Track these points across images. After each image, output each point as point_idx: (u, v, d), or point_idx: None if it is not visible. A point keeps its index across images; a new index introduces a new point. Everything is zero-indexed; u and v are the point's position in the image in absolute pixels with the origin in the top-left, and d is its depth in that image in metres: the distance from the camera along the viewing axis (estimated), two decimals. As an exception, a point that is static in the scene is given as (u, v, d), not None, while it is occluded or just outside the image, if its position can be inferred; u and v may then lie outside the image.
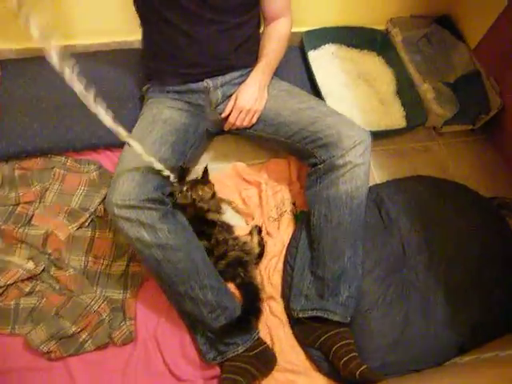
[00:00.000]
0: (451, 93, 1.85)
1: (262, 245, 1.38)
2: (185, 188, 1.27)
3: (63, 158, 1.49)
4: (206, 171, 1.39)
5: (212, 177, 1.41)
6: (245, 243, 1.33)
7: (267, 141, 1.43)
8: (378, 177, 1.69)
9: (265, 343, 1.22)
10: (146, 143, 1.20)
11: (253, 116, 1.36)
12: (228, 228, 1.37)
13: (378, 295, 1.30)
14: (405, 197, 1.56)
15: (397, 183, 1.63)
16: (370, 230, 1.42)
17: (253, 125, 1.39)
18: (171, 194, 1.24)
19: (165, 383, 1.19)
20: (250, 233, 1.40)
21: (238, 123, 1.37)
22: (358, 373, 1.11)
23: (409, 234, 1.46)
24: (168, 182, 1.22)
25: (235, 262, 1.29)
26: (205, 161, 1.57)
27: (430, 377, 1.23)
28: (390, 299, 1.31)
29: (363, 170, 1.22)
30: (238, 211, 1.50)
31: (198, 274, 1.16)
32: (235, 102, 1.35)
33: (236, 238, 1.34)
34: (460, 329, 1.29)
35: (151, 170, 1.15)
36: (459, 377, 1.19)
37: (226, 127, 1.41)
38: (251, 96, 1.35)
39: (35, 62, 1.61)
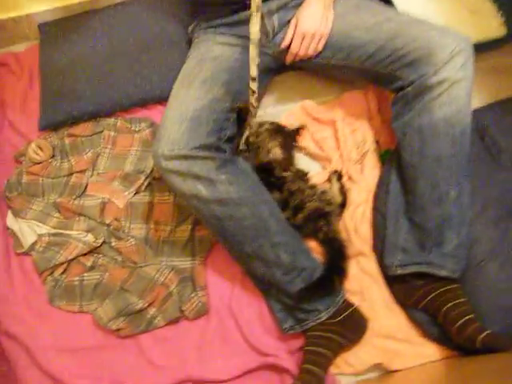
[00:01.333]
0: None
1: (343, 192, 1.16)
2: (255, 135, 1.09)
3: (112, 120, 1.36)
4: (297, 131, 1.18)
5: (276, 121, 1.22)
6: (324, 192, 1.12)
7: (339, 70, 1.21)
8: (475, 101, 1.38)
9: (352, 305, 1.05)
10: (194, 84, 1.06)
11: (319, 42, 1.13)
12: (302, 175, 1.17)
13: (494, 242, 1.05)
14: (502, 124, 1.26)
15: (502, 105, 1.32)
16: (474, 164, 1.15)
17: (319, 52, 1.16)
18: (230, 140, 1.07)
19: (245, 358, 1.06)
20: (329, 179, 1.19)
21: (301, 52, 1.15)
22: (479, 339, 0.91)
23: (524, 165, 1.18)
24: (227, 123, 1.06)
25: (315, 215, 1.09)
26: (266, 104, 1.36)
27: None
28: (509, 246, 1.05)
29: (465, 88, 0.99)
30: (312, 156, 1.28)
31: (267, 230, 0.99)
32: (296, 27, 1.13)
33: (313, 187, 1.13)
34: None
35: (204, 112, 1.00)
36: None
37: (288, 59, 1.20)
38: (315, 17, 1.11)
39: (72, 21, 1.50)
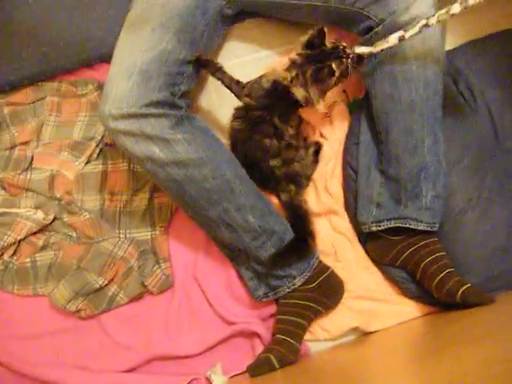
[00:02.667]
0: None
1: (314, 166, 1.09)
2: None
3: (56, 84, 1.22)
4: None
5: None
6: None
7: (300, 12, 1.09)
8: (446, 42, 1.30)
9: (328, 268, 0.99)
10: (142, 34, 0.95)
11: None
12: (302, 136, 1.09)
13: (472, 191, 1.01)
14: (488, 62, 1.18)
15: (475, 46, 1.23)
16: (448, 109, 1.08)
17: None
18: (185, 95, 0.97)
19: (214, 330, 1.01)
20: (306, 148, 1.09)
21: None
22: (459, 293, 0.87)
23: (500, 108, 1.11)
24: (181, 78, 0.96)
25: (292, 177, 1.01)
26: (225, 55, 1.24)
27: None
28: (488, 194, 1.01)
29: (439, 27, 0.91)
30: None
31: (232, 192, 0.92)
32: None
33: (308, 149, 1.07)
34: None
35: (154, 64, 0.91)
36: None
37: None
38: None
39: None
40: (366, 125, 1.03)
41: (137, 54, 0.92)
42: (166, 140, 0.87)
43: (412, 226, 0.94)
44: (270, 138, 0.98)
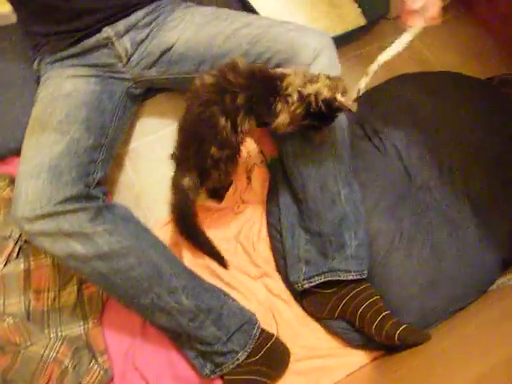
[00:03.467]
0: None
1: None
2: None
3: (-35, 181, 1.17)
4: None
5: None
6: None
7: None
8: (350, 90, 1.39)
9: (272, 336, 0.98)
10: (48, 129, 0.94)
11: None
12: None
13: (393, 233, 1.05)
14: (388, 105, 1.28)
15: (374, 92, 1.33)
16: (359, 157, 1.14)
17: (183, 68, 1.08)
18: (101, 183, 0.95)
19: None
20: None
21: None
22: (396, 335, 0.89)
23: (406, 146, 1.19)
24: (94, 166, 0.95)
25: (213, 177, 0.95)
26: (141, 131, 1.26)
27: (476, 310, 1.00)
28: (409, 233, 1.05)
29: None
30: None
31: (161, 276, 0.89)
32: None
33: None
34: (499, 243, 1.05)
35: (64, 159, 0.89)
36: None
37: None
38: None
39: None
40: (283, 184, 1.05)
41: (44, 149, 0.90)
42: (86, 235, 0.84)
43: (342, 278, 0.96)
44: (225, 121, 0.86)
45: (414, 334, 0.90)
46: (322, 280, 0.98)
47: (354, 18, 1.49)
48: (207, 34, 1.05)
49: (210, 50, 1.04)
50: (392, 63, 1.41)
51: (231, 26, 1.03)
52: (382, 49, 1.45)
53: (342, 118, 0.98)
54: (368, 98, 1.30)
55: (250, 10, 1.37)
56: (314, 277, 0.98)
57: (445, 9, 1.51)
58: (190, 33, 1.06)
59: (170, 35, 1.07)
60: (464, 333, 0.90)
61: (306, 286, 0.99)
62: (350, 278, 0.96)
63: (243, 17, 1.07)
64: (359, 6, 1.52)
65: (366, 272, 0.98)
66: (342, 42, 1.44)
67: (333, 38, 1.27)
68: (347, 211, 0.98)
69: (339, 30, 1.43)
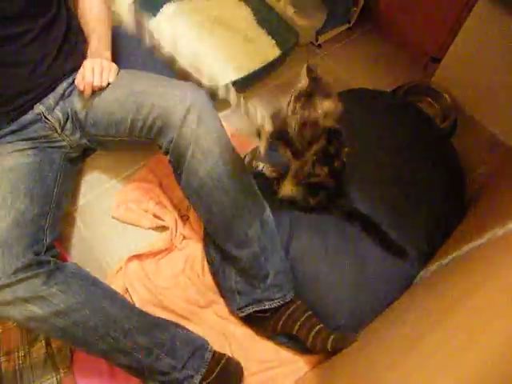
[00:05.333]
0: (314, -2, 1.69)
1: None
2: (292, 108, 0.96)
3: None
4: (310, 70, 1.00)
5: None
6: None
7: (123, 143, 1.22)
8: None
9: (223, 356, 1.08)
10: None
11: (110, 70, 1.15)
12: None
13: (319, 247, 1.16)
14: None
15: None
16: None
17: (98, 131, 1.18)
18: (51, 247, 1.04)
19: None
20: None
21: (96, 80, 1.12)
22: (329, 346, 1.01)
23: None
24: (42, 233, 1.03)
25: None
26: (87, 187, 1.38)
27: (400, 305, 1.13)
28: (333, 244, 1.17)
29: (212, 137, 1.04)
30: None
31: (114, 321, 0.99)
32: (83, 66, 1.14)
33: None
34: (415, 239, 1.18)
35: (12, 232, 0.96)
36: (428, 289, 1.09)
37: (86, 92, 1.13)
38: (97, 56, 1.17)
39: None
40: (206, 230, 1.18)
41: None
42: (41, 297, 0.91)
43: (267, 307, 1.07)
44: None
45: (342, 340, 1.01)
46: (251, 310, 1.09)
47: (270, 50, 1.62)
48: (106, 102, 1.14)
49: (111, 116, 1.13)
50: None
51: (124, 92, 1.12)
52: (299, 75, 1.60)
53: (230, 168, 1.04)
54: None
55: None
56: (246, 306, 1.10)
57: (351, 29, 1.71)
58: (96, 100, 1.15)
59: (83, 102, 1.17)
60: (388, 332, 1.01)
61: (242, 314, 1.11)
62: (274, 305, 1.07)
63: (132, 83, 1.15)
64: (272, 38, 1.66)
65: (288, 296, 1.07)
66: (262, 73, 1.58)
67: (253, 71, 1.41)
68: (259, 246, 1.07)
69: (258, 64, 1.55)
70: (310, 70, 1.00)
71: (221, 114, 1.11)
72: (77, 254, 1.28)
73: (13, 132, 1.16)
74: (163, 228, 1.30)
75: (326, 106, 0.97)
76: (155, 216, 1.30)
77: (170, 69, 1.43)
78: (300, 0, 1.62)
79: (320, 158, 1.05)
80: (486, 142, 1.47)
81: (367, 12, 1.68)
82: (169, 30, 1.62)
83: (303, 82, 0.99)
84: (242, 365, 1.10)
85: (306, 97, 0.97)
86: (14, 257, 0.94)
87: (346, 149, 1.08)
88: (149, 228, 1.30)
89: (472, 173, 1.37)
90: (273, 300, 1.07)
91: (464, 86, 1.49)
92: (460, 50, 1.43)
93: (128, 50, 1.43)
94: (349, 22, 1.69)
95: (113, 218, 1.32)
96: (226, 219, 1.06)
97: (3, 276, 0.91)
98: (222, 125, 1.07)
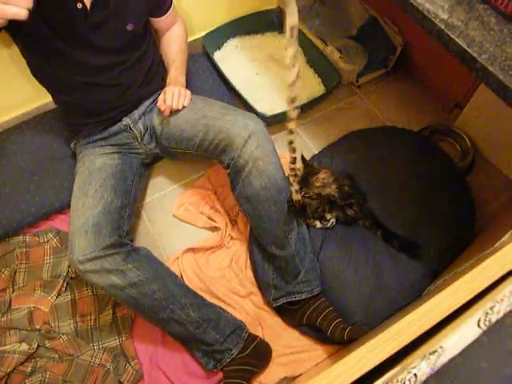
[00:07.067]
0: (357, 44, 1.94)
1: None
2: (297, 191, 1.21)
3: (21, 237, 1.52)
4: (303, 159, 1.44)
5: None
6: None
7: (189, 155, 1.46)
8: (314, 146, 1.77)
9: (257, 337, 1.30)
10: (88, 195, 1.26)
11: (185, 97, 1.38)
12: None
13: (345, 255, 1.39)
14: (338, 161, 1.63)
15: (333, 147, 1.69)
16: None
17: (171, 144, 1.44)
18: (129, 232, 1.30)
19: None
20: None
21: (174, 104, 1.35)
22: (345, 338, 1.20)
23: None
24: (123, 220, 1.28)
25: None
26: (150, 189, 1.65)
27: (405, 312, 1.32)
28: (357, 256, 1.39)
29: (267, 162, 1.24)
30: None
31: (174, 297, 1.22)
32: (165, 92, 1.38)
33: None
34: (428, 257, 1.39)
35: (102, 217, 1.21)
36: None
37: (166, 112, 1.36)
38: (176, 85, 1.42)
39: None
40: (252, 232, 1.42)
41: (88, 211, 1.22)
42: (121, 271, 1.15)
43: (297, 298, 1.30)
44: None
45: (357, 332, 1.20)
46: (284, 301, 1.32)
47: (316, 87, 1.88)
48: (180, 120, 1.39)
49: (182, 134, 1.38)
50: (347, 121, 1.81)
51: (194, 116, 1.36)
52: (339, 110, 1.85)
53: (280, 184, 1.25)
54: (327, 152, 1.67)
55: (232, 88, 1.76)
56: (279, 298, 1.33)
57: (388, 73, 1.94)
58: (172, 118, 1.40)
59: (161, 119, 1.43)
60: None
61: (275, 305, 1.34)
62: (303, 297, 1.30)
63: (204, 107, 1.37)
64: (319, 77, 1.91)
65: (315, 290, 1.31)
66: (307, 107, 1.83)
67: (301, 105, 1.66)
68: (296, 249, 1.30)
69: (305, 98, 1.80)
70: (303, 159, 1.44)
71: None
72: (141, 243, 1.54)
73: (103, 138, 1.44)
74: (215, 228, 1.55)
75: (320, 178, 1.36)
76: (209, 218, 1.56)
77: (231, 97, 1.70)
78: (345, 47, 1.87)
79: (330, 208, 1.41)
80: (499, 182, 1.67)
81: (403, 59, 1.91)
82: (231, 63, 1.89)
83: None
84: (271, 347, 1.32)
85: (303, 179, 1.37)
86: (103, 236, 1.19)
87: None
88: (203, 227, 1.56)
89: (483, 207, 1.57)
90: (302, 293, 1.30)
91: (483, 132, 1.70)
92: (481, 100, 1.64)
93: (202, 78, 1.72)
94: (386, 67, 1.93)
95: (173, 216, 1.58)
96: (271, 225, 1.28)
97: (95, 250, 1.16)
98: (275, 149, 1.29)
